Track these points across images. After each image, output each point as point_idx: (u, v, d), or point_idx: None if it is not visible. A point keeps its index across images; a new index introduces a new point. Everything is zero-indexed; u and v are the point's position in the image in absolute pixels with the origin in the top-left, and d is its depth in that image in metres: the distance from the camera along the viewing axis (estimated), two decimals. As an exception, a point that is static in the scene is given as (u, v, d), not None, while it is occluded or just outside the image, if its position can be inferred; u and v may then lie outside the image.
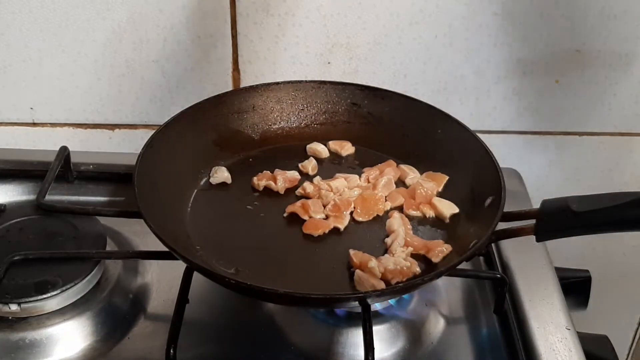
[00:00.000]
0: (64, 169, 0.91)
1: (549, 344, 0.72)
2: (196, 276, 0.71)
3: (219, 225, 0.79)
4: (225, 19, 0.94)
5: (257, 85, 0.91)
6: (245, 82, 0.98)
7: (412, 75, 0.98)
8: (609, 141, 1.02)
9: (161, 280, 0.80)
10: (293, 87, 0.91)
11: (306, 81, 0.92)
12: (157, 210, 0.73)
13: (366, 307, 0.67)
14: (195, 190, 0.83)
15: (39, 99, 1.00)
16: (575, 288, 0.88)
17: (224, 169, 0.85)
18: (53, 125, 1.02)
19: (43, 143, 1.02)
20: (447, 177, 0.85)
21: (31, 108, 1.01)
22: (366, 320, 0.66)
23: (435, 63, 0.97)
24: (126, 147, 1.02)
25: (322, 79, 0.92)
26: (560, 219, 0.70)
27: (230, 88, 0.98)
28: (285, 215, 0.80)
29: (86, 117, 1.01)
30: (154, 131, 0.82)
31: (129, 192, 0.92)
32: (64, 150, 0.91)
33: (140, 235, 0.83)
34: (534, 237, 0.72)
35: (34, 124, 1.02)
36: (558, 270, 0.83)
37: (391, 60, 0.97)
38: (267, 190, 0.84)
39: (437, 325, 0.76)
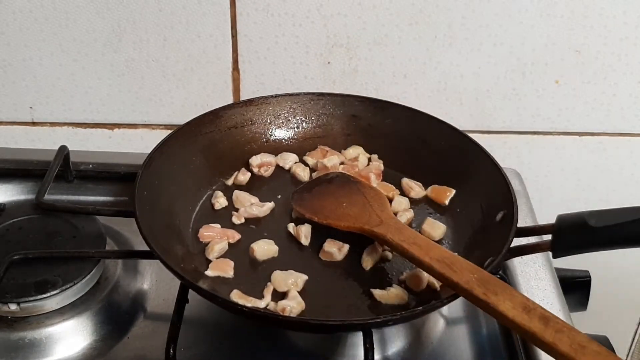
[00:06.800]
0: (63, 168, 0.91)
1: (549, 344, 0.72)
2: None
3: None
4: (225, 18, 0.94)
5: (254, 98, 0.89)
6: (245, 82, 0.98)
7: (411, 75, 0.98)
8: (608, 141, 1.02)
9: (161, 279, 0.80)
10: (291, 99, 0.90)
11: (304, 93, 0.90)
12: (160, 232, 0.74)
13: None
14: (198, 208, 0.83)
15: (39, 98, 1.00)
16: (575, 288, 0.87)
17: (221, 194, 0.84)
18: (52, 124, 1.02)
19: (42, 142, 1.02)
20: (453, 191, 0.82)
21: (31, 107, 1.01)
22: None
23: (435, 63, 0.97)
24: (126, 146, 1.02)
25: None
26: (577, 234, 0.67)
27: (230, 88, 0.99)
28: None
29: (86, 117, 1.01)
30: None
31: (129, 191, 0.93)
32: (63, 150, 0.91)
33: (139, 234, 0.83)
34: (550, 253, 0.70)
35: (34, 123, 1.02)
36: (558, 270, 0.83)
37: (391, 60, 0.97)
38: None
39: (437, 325, 0.76)
